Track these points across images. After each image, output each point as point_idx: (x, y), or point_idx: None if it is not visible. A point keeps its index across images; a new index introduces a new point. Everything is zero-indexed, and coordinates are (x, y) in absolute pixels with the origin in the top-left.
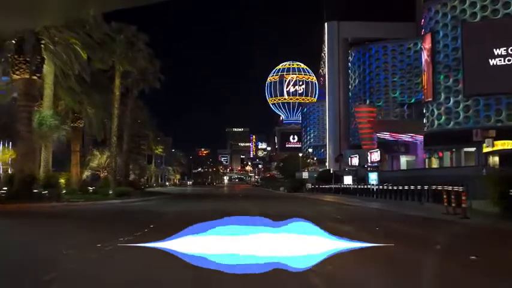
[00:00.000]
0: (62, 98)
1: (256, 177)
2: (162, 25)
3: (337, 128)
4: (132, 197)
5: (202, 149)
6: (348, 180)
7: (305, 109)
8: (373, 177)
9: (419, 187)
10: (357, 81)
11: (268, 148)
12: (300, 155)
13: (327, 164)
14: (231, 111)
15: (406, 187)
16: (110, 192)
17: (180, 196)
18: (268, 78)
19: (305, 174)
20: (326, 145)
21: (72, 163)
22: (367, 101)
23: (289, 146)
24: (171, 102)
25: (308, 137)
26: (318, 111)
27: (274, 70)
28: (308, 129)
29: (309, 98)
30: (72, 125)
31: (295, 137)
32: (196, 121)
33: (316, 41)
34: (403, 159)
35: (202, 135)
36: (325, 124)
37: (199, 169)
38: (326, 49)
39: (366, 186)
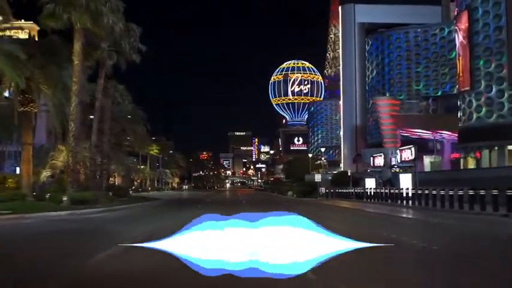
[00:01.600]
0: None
1: (259, 181)
2: (162, 26)
3: (353, 125)
4: (98, 205)
5: (204, 153)
6: (370, 183)
7: (312, 108)
8: (405, 180)
9: (482, 192)
10: (374, 72)
11: (271, 151)
12: (310, 155)
13: (341, 165)
14: (232, 114)
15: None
16: (64, 198)
17: (170, 203)
18: (272, 78)
19: (317, 177)
20: (340, 145)
21: (23, 159)
22: (387, 95)
23: (294, 148)
24: (172, 106)
25: (315, 138)
26: (326, 110)
27: (278, 69)
28: (315, 129)
29: (314, 98)
30: (21, 109)
31: (300, 138)
32: (197, 125)
33: (323, 40)
34: (427, 160)
35: (203, 139)
36: (334, 124)
37: (200, 172)
38: (340, 36)
39: (396, 191)
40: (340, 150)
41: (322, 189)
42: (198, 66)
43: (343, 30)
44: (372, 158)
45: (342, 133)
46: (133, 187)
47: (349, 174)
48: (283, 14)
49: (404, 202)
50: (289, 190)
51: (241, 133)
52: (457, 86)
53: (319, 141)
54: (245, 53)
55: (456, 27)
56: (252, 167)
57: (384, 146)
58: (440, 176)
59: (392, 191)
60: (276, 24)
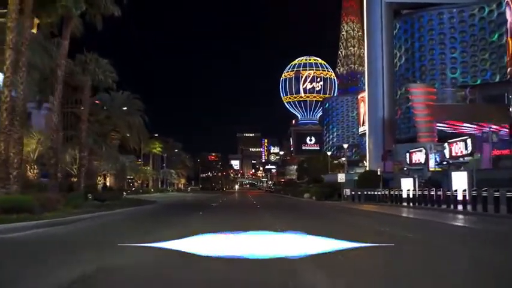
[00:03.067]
0: None
1: (270, 182)
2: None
3: (380, 119)
4: (49, 213)
5: (213, 154)
6: (406, 183)
7: (327, 104)
8: (459, 179)
9: None
10: (403, 59)
11: (281, 152)
12: (329, 153)
13: (366, 163)
14: (241, 115)
15: None
16: None
17: (165, 208)
18: (283, 75)
19: (341, 177)
20: (359, 144)
21: None
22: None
23: (306, 148)
24: (181, 109)
25: (330, 136)
26: (342, 107)
27: (289, 65)
28: (330, 127)
29: (327, 95)
30: None
31: (313, 138)
32: (207, 126)
33: (332, 39)
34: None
35: (212, 141)
36: (351, 121)
37: (209, 174)
38: (365, 19)
39: (448, 193)
40: (360, 149)
41: (347, 191)
42: (200, 65)
43: (368, 12)
44: (408, 155)
45: (366, 128)
46: (133, 188)
47: (378, 173)
48: (291, 13)
49: (460, 207)
50: (305, 192)
51: (250, 134)
52: (508, 70)
53: (335, 139)
54: (254, 52)
55: (507, 1)
56: (261, 168)
57: (419, 140)
58: (501, 175)
59: (439, 192)
60: (282, 24)
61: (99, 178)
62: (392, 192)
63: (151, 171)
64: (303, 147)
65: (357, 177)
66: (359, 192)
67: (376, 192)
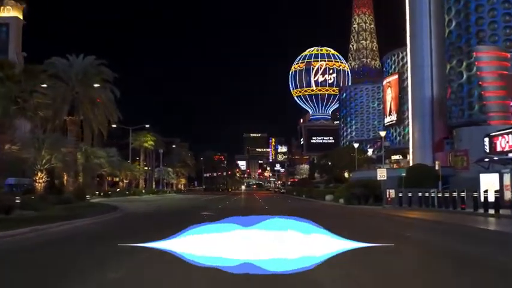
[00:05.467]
0: None
1: (279, 182)
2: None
3: (429, 99)
4: None
5: (218, 154)
6: (489, 181)
7: (344, 94)
8: None
9: None
10: (453, 24)
11: (290, 151)
12: (356, 145)
13: (409, 156)
14: (247, 115)
15: None
16: None
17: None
18: (293, 67)
19: (381, 173)
20: (382, 138)
21: None
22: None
23: (318, 144)
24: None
25: (348, 130)
26: (362, 97)
27: (299, 57)
28: (348, 119)
29: (340, 89)
30: None
31: (326, 134)
32: (214, 125)
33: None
34: None
35: (218, 141)
36: (371, 112)
37: (214, 174)
38: None
39: None
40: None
41: (391, 192)
42: (205, 63)
43: None
44: (487, 140)
45: (410, 113)
46: (117, 189)
47: (436, 167)
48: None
49: None
50: (327, 193)
51: (257, 135)
52: None
53: (353, 133)
54: (260, 48)
55: None
56: (268, 168)
57: (489, 123)
58: None
59: None
60: (287, 17)
61: (39, 174)
62: (474, 195)
63: (142, 168)
64: (315, 144)
65: (404, 174)
66: (409, 194)
67: (432, 194)
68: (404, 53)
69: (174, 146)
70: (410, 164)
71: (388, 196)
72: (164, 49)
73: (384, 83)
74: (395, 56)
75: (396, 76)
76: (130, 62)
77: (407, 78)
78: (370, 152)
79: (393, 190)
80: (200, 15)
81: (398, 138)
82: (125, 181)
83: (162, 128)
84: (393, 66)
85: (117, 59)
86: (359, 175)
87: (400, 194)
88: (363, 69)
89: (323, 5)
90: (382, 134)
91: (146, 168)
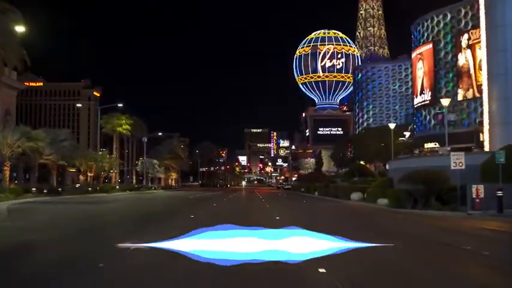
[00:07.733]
0: None
1: (282, 177)
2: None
3: (507, 69)
4: None
5: (219, 150)
6: None
7: (359, 75)
8: None
9: None
10: None
11: (293, 147)
12: (392, 126)
13: (483, 137)
14: (248, 110)
15: None
16: None
17: None
18: (298, 51)
19: (458, 159)
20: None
21: None
22: None
23: (325, 135)
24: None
25: (365, 116)
26: (381, 78)
27: (304, 40)
28: (364, 104)
29: (349, 75)
30: None
31: (334, 124)
32: (215, 121)
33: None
34: None
35: (218, 139)
36: (392, 96)
37: (211, 168)
38: None
39: None
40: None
41: (479, 191)
42: (205, 63)
43: None
44: None
45: (486, 86)
46: (77, 185)
47: None
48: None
49: None
50: (353, 191)
51: (258, 130)
52: None
53: (371, 120)
54: (261, 48)
55: None
56: (269, 163)
57: None
58: None
59: None
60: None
61: None
62: None
63: (114, 159)
64: (322, 136)
65: (502, 159)
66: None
67: None
68: (441, 17)
69: (160, 133)
70: (486, 149)
71: (476, 196)
72: (164, 49)
73: (414, 55)
74: (428, 21)
75: (430, 45)
76: (131, 62)
77: (446, 45)
78: (407, 135)
79: (482, 186)
80: (200, 15)
81: (432, 122)
82: (89, 174)
83: (162, 127)
84: (426, 34)
85: (117, 59)
86: (400, 165)
87: (500, 193)
88: (371, 58)
89: None
90: (445, 102)
91: (121, 159)
